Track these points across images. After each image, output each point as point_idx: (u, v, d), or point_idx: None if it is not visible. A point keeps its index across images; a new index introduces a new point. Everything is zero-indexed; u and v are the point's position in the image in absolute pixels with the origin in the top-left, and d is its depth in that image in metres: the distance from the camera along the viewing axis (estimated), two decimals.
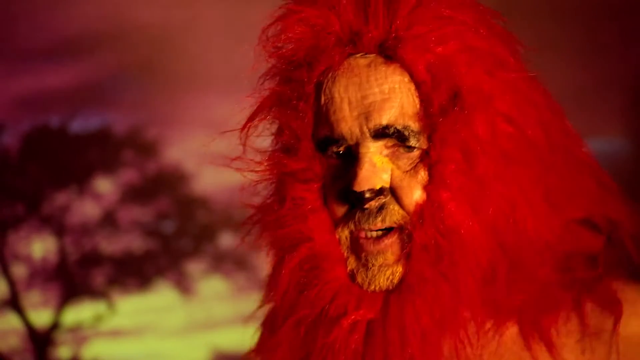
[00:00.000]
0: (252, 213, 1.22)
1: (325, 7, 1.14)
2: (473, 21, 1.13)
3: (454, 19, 1.12)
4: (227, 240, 9.27)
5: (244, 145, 1.20)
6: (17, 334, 8.92)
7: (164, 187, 9.27)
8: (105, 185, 9.27)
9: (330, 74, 1.13)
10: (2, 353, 8.83)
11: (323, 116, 1.13)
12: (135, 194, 9.28)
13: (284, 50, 1.16)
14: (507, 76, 1.12)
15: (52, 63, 8.81)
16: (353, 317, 1.11)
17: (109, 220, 9.22)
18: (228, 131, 1.21)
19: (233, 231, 9.21)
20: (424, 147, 1.10)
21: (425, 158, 1.10)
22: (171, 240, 9.35)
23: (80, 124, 9.14)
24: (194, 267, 9.32)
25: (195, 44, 8.00)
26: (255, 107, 1.19)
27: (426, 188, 1.10)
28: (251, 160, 1.20)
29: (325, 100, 1.13)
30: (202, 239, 9.28)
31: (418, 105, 1.10)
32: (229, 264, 9.31)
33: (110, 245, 9.25)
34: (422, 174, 1.10)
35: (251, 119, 1.19)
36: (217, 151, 1.21)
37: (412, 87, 1.10)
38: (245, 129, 1.19)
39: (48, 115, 9.07)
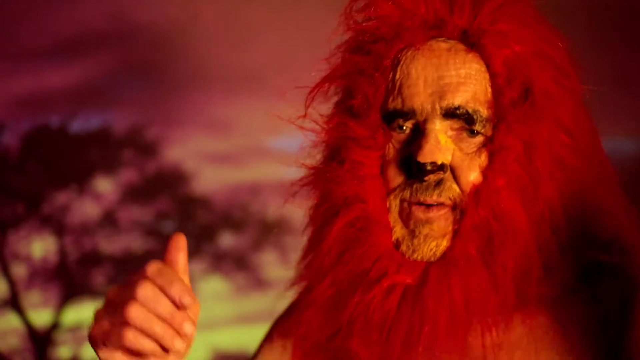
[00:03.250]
0: (306, 174, 1.26)
1: None
2: (547, 32, 1.19)
3: (534, 25, 1.18)
4: (227, 240, 9.29)
5: (308, 107, 1.25)
6: (17, 334, 8.93)
7: (164, 187, 9.27)
8: (105, 185, 9.27)
9: (409, 52, 1.19)
10: (2, 353, 8.83)
11: (395, 90, 1.19)
12: (135, 194, 9.29)
13: (367, 25, 1.21)
14: (571, 87, 1.18)
15: (52, 63, 8.82)
16: (392, 279, 1.14)
17: (109, 220, 9.22)
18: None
19: (233, 231, 9.23)
20: (488, 134, 1.15)
21: (487, 144, 1.15)
22: None
23: (80, 124, 9.14)
24: (194, 267, 9.32)
25: (196, 44, 8.01)
26: (327, 73, 1.24)
27: (484, 172, 1.15)
28: (314, 121, 1.25)
29: (400, 75, 1.19)
30: (202, 239, 9.29)
31: (490, 95, 1.16)
32: (229, 264, 9.32)
33: (110, 245, 9.25)
34: (483, 159, 1.16)
35: (324, 82, 1.24)
36: (284, 113, 1.26)
37: (487, 77, 1.17)
38: (314, 91, 1.24)
39: (48, 115, 9.07)
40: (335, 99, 1.25)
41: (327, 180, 1.21)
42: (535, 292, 1.15)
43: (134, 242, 9.31)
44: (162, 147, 9.22)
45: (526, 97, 1.15)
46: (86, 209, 9.22)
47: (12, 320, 8.90)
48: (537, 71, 1.16)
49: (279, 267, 9.06)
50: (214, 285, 9.36)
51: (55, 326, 8.91)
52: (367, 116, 1.20)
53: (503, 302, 1.14)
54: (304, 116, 1.25)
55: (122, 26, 8.25)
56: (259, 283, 9.28)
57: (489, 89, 1.17)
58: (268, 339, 1.35)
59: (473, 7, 1.19)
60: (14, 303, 8.92)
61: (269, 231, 8.76)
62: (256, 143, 8.42)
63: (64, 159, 9.14)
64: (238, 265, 9.29)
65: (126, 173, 9.33)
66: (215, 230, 9.26)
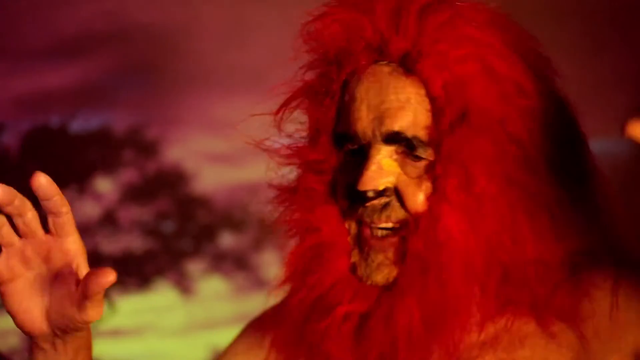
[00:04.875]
0: (275, 194, 1.28)
1: (361, 12, 1.20)
2: (500, 43, 1.18)
3: (479, 41, 1.17)
4: (227, 240, 9.28)
5: (278, 128, 1.27)
6: (17, 334, 8.91)
7: (164, 187, 9.27)
8: (105, 185, 9.27)
9: (355, 76, 1.18)
10: (2, 353, 8.83)
11: (344, 113, 1.19)
12: (135, 194, 9.28)
13: (319, 46, 1.22)
14: (522, 102, 1.17)
15: (52, 63, 8.81)
16: (346, 308, 1.16)
17: (109, 220, 9.22)
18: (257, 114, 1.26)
19: (233, 231, 9.22)
20: (431, 158, 1.15)
21: (430, 170, 1.14)
22: (171, 240, 9.35)
23: (80, 124, 9.14)
24: (194, 267, 9.32)
25: (195, 44, 8.01)
26: (289, 95, 1.25)
27: (428, 198, 1.14)
28: (280, 144, 1.27)
29: (348, 98, 1.20)
30: (202, 239, 9.29)
31: (430, 119, 1.15)
32: (229, 264, 9.32)
33: (110, 245, 9.25)
34: (427, 184, 1.15)
35: (286, 104, 1.26)
36: (252, 135, 1.28)
37: (427, 100, 1.15)
38: (280, 113, 1.26)
39: (48, 115, 9.07)
40: (302, 120, 1.26)
41: (286, 208, 1.23)
42: (506, 297, 1.14)
43: (134, 242, 9.30)
44: (162, 147, 9.21)
45: (465, 119, 1.14)
46: (86, 209, 9.21)
47: (12, 321, 8.89)
48: (478, 91, 1.14)
49: (279, 267, 9.05)
50: (214, 285, 9.36)
51: None
52: (317, 141, 1.20)
53: (459, 320, 1.14)
54: (270, 138, 1.25)
55: (122, 26, 8.24)
56: (259, 283, 9.28)
57: (429, 113, 1.17)
58: (243, 335, 1.36)
59: (417, 26, 1.18)
60: None
61: (269, 231, 8.75)
62: (249, 141, 8.38)
63: (64, 159, 9.14)
64: (238, 265, 9.29)
65: (126, 173, 9.32)
66: (215, 230, 9.25)
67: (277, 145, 1.26)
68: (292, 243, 1.25)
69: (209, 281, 9.35)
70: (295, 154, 1.25)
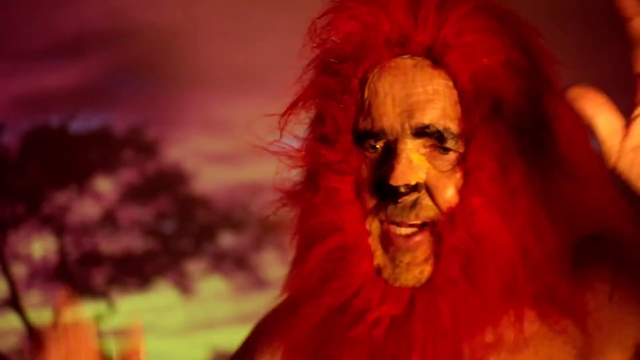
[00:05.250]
0: (280, 197, 1.24)
1: (376, 6, 1.18)
2: (517, 36, 1.16)
3: (501, 32, 1.15)
4: (227, 240, 9.29)
5: (282, 130, 1.23)
6: (17, 334, 8.93)
7: (164, 187, 9.27)
8: (105, 185, 9.28)
9: (376, 70, 1.16)
10: (2, 353, 8.83)
11: (365, 110, 1.16)
12: (135, 194, 9.29)
13: (332, 44, 1.19)
14: (546, 93, 1.16)
15: (52, 63, 8.82)
16: (377, 312, 1.13)
17: (109, 220, 9.22)
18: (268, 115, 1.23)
19: (233, 231, 9.23)
20: (461, 150, 1.13)
21: (461, 162, 1.13)
22: (171, 240, 9.36)
23: (80, 124, 9.15)
24: (194, 267, 9.33)
25: (196, 44, 8.01)
26: (297, 95, 1.21)
27: (460, 191, 1.12)
28: (289, 146, 1.23)
29: (368, 94, 1.16)
30: (202, 239, 9.29)
31: (459, 110, 1.13)
32: (229, 263, 9.32)
33: (110, 245, 9.26)
34: (458, 177, 1.13)
35: (293, 106, 1.22)
36: (257, 137, 1.24)
37: (455, 92, 1.14)
38: (286, 115, 1.22)
39: (48, 115, 9.07)
40: (308, 121, 1.23)
41: (303, 211, 1.19)
42: (525, 299, 1.14)
43: (134, 242, 9.31)
44: (162, 147, 9.22)
45: (496, 111, 1.13)
46: (86, 209, 9.22)
47: (12, 320, 8.90)
48: (506, 83, 1.13)
49: (279, 267, 9.06)
50: (214, 285, 9.36)
51: None
52: (338, 140, 1.18)
53: (492, 316, 1.13)
54: (276, 142, 1.22)
55: (122, 26, 8.25)
56: (259, 283, 9.29)
57: (459, 105, 1.13)
58: (253, 340, 1.32)
59: (437, 19, 1.15)
60: (14, 303, 8.92)
61: (269, 231, 8.75)
62: (256, 143, 8.38)
63: (64, 159, 9.14)
64: (238, 265, 9.30)
65: (126, 173, 9.33)
66: (215, 230, 9.26)
67: (285, 147, 1.22)
68: (306, 246, 1.20)
69: (209, 281, 9.36)
70: (312, 155, 1.22)
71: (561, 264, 1.13)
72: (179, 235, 9.39)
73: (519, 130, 1.13)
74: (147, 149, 9.20)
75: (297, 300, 1.21)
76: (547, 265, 1.12)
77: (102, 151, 9.21)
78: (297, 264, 1.21)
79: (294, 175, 1.22)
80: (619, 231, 1.18)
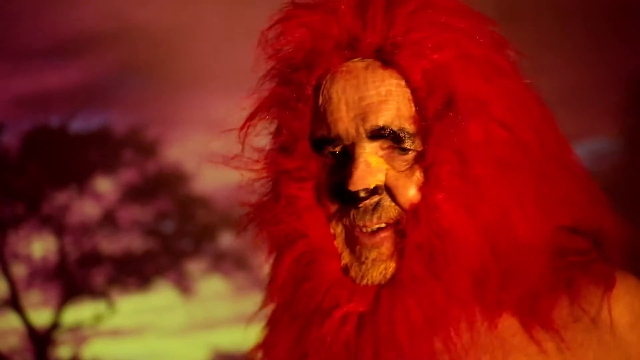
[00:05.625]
0: (249, 211, 1.24)
1: (324, 12, 1.17)
2: (469, 28, 1.15)
3: (450, 26, 1.14)
4: (227, 240, 9.29)
5: (243, 144, 1.22)
6: (17, 333, 8.93)
7: (164, 187, 9.28)
8: (105, 185, 9.28)
9: (328, 76, 1.15)
10: (2, 353, 8.84)
11: (320, 117, 1.16)
12: (135, 194, 9.29)
13: (283, 53, 1.18)
14: (502, 82, 1.15)
15: (52, 63, 8.82)
16: (344, 309, 1.13)
17: (109, 220, 9.23)
18: (227, 130, 1.23)
19: (233, 231, 9.23)
20: (419, 149, 1.12)
21: (420, 160, 1.12)
22: (171, 240, 9.36)
23: (80, 124, 9.15)
24: (194, 267, 9.33)
25: (195, 44, 8.01)
26: (254, 107, 1.21)
27: (421, 189, 1.12)
28: (249, 158, 1.22)
29: (322, 101, 1.15)
30: (202, 239, 9.29)
31: (414, 109, 1.12)
32: (228, 263, 9.32)
33: (110, 245, 9.26)
34: (418, 175, 1.12)
35: (250, 118, 1.22)
36: (216, 150, 1.24)
37: (408, 91, 1.13)
38: (245, 128, 1.22)
39: (48, 115, 9.08)
40: (268, 132, 1.23)
41: (266, 220, 1.19)
42: (498, 297, 1.13)
43: (134, 242, 9.31)
44: (162, 147, 9.22)
45: (450, 105, 1.12)
46: (86, 209, 9.22)
47: (12, 320, 8.90)
48: (460, 76, 1.12)
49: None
50: (214, 285, 9.36)
51: (55, 326, 8.92)
52: (295, 149, 1.17)
53: (465, 312, 1.13)
54: (238, 156, 1.22)
55: (122, 26, 8.25)
56: (259, 283, 9.28)
57: (412, 104, 1.13)
58: None
59: (385, 19, 1.15)
60: (14, 303, 8.92)
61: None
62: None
63: (64, 159, 9.15)
64: (238, 265, 9.30)
65: (126, 173, 9.33)
66: (215, 230, 9.26)
67: (246, 159, 1.22)
68: (277, 255, 1.20)
69: (209, 281, 9.36)
70: (272, 164, 1.22)
71: (539, 262, 1.12)
72: (179, 235, 9.40)
73: (477, 121, 1.12)
74: (147, 149, 9.21)
75: (277, 310, 1.21)
76: (523, 261, 1.11)
77: (102, 151, 9.21)
78: (271, 274, 1.22)
79: (258, 187, 1.22)
80: (597, 221, 1.18)
